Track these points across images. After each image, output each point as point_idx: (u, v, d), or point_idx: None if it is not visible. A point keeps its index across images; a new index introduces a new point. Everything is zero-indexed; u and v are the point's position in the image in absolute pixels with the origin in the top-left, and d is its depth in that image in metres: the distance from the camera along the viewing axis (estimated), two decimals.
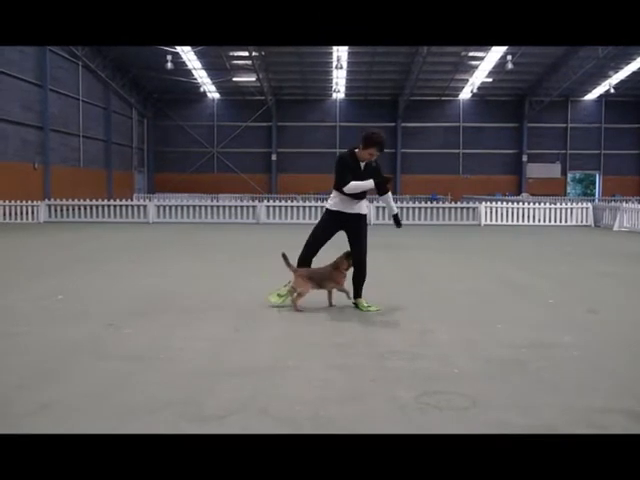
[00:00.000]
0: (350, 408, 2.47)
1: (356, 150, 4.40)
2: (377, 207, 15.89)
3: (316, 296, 4.57)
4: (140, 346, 3.40)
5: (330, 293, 4.54)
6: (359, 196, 4.42)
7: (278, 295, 4.51)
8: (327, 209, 4.55)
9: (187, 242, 10.46)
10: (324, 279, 4.43)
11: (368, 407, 2.48)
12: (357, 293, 4.53)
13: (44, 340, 3.53)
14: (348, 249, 4.51)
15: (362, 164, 4.39)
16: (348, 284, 4.54)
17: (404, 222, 17.97)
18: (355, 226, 4.47)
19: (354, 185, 4.28)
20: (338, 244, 4.61)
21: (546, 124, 31.82)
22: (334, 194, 4.46)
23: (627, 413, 2.42)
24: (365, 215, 4.56)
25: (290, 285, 4.47)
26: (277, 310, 4.41)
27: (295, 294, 4.39)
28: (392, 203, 4.78)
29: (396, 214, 4.78)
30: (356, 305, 4.51)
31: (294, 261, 4.48)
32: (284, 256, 4.38)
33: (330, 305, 4.53)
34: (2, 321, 4.05)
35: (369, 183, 4.31)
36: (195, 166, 32.15)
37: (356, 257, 4.46)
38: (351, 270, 4.49)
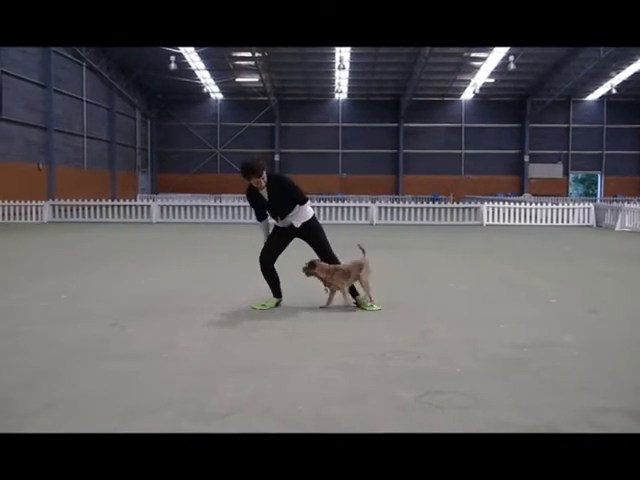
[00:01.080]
0: (351, 407, 2.47)
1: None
2: (379, 207, 15.91)
3: (318, 296, 4.58)
4: (143, 345, 3.42)
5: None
6: (284, 215, 4.38)
7: (262, 305, 4.49)
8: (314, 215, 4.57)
9: (190, 242, 10.50)
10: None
11: (369, 407, 2.48)
12: (354, 292, 4.52)
13: (48, 339, 3.55)
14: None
15: (263, 192, 4.35)
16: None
17: (406, 222, 17.79)
18: (306, 234, 4.44)
19: (261, 227, 4.61)
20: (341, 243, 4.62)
21: (548, 124, 31.79)
22: (303, 208, 4.43)
23: (627, 413, 2.42)
24: (310, 219, 4.44)
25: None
26: (278, 310, 4.43)
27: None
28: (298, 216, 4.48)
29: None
30: (357, 304, 4.51)
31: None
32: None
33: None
34: (7, 321, 4.07)
35: (263, 237, 4.58)
36: (198, 166, 32.21)
37: (329, 260, 4.44)
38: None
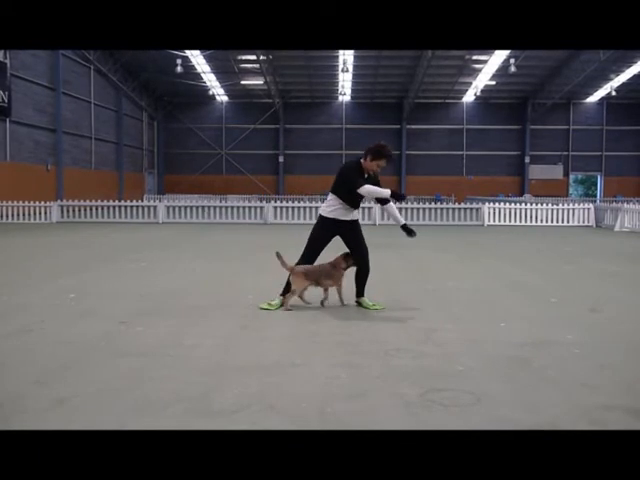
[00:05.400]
0: (355, 405, 2.49)
1: (362, 161, 4.45)
2: (382, 207, 16.03)
3: (321, 295, 4.68)
4: (150, 343, 3.45)
5: (326, 291, 4.55)
6: (356, 205, 4.50)
7: (269, 304, 4.50)
8: (322, 216, 4.50)
9: (195, 242, 10.54)
10: (322, 277, 4.44)
11: (373, 404, 2.50)
12: (360, 292, 4.61)
13: (58, 337, 3.59)
14: (346, 250, 4.57)
15: (365, 175, 4.44)
16: (349, 285, 4.62)
17: (409, 222, 17.85)
18: (352, 231, 4.53)
19: (371, 189, 4.26)
20: (336, 245, 4.64)
21: (548, 126, 31.83)
22: (332, 201, 4.44)
23: (629, 410, 2.45)
24: (358, 220, 4.63)
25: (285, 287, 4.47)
26: (282, 309, 4.46)
27: (290, 292, 4.42)
28: (397, 214, 4.63)
29: (404, 224, 4.59)
30: (359, 304, 4.58)
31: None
32: (278, 255, 4.38)
33: (322, 304, 4.56)
34: (18, 319, 4.10)
35: (386, 191, 4.28)
36: (204, 167, 32.38)
37: (361, 258, 4.52)
38: (350, 270, 4.55)
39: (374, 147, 4.43)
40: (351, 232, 4.54)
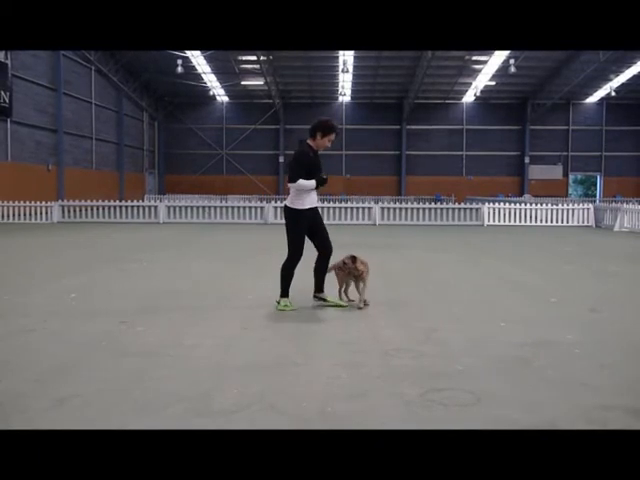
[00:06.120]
0: (356, 404, 2.50)
1: (310, 141, 4.35)
2: (382, 208, 16.09)
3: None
4: (151, 343, 3.46)
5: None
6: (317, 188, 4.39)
7: (285, 306, 4.47)
8: (295, 209, 4.35)
9: (196, 242, 10.58)
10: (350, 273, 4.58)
11: (373, 404, 2.51)
12: (321, 287, 4.53)
13: (59, 337, 3.62)
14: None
15: (318, 155, 4.43)
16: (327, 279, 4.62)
17: (409, 222, 17.87)
18: (314, 220, 4.47)
19: (303, 184, 4.23)
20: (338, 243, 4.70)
21: (548, 126, 31.89)
22: (297, 192, 4.33)
23: (628, 410, 2.46)
24: (317, 207, 4.56)
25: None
26: (282, 309, 4.47)
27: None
28: (310, 185, 4.38)
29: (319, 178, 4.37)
30: (320, 299, 4.53)
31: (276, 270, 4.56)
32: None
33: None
34: (19, 318, 4.13)
35: (312, 183, 4.27)
36: (204, 168, 32.45)
37: (326, 245, 4.47)
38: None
39: (320, 124, 4.31)
40: (318, 220, 4.47)
